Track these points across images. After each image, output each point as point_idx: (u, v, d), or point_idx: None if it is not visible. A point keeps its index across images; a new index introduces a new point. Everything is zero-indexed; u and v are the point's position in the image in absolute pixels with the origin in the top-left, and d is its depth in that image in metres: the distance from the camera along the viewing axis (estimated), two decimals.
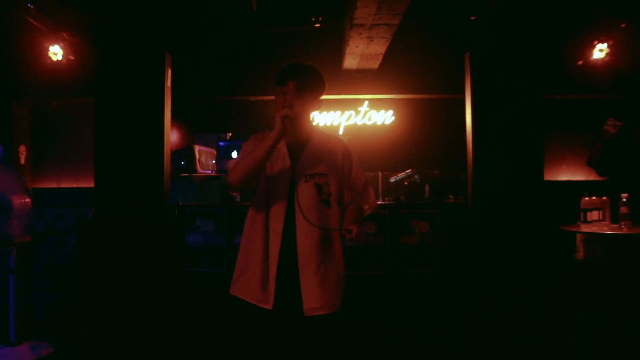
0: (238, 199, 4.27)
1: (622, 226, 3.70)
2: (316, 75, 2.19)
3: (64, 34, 4.93)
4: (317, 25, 5.26)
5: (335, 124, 5.95)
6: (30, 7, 4.38)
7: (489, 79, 3.87)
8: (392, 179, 4.41)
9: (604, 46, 5.07)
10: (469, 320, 3.78)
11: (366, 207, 2.28)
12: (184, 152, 4.31)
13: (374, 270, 3.78)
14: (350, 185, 2.24)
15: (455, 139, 4.32)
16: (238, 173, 2.09)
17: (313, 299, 2.09)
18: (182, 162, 4.25)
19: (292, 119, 2.02)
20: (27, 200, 4.08)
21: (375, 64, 5.58)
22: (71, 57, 5.04)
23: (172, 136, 4.32)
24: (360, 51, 5.11)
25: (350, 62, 5.48)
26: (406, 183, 4.26)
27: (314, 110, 2.25)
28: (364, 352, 3.71)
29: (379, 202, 4.04)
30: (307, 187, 2.12)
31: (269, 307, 2.09)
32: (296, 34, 5.55)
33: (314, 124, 5.84)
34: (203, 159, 4.41)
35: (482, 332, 3.75)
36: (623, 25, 4.96)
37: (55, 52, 4.94)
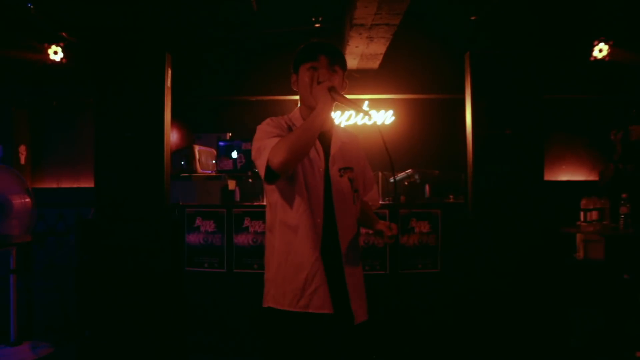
0: (238, 199, 4.27)
1: (622, 226, 3.70)
2: (342, 53, 2.06)
3: (64, 34, 4.93)
4: (317, 25, 5.25)
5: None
6: (30, 7, 4.38)
7: (489, 79, 3.87)
8: (392, 179, 4.41)
9: (604, 46, 5.07)
10: (469, 320, 3.78)
11: (371, 204, 2.18)
12: (184, 152, 4.31)
13: (375, 270, 3.78)
14: (367, 181, 2.15)
15: (455, 139, 4.33)
16: (284, 153, 1.74)
17: (360, 304, 1.95)
18: (182, 162, 4.25)
19: (337, 92, 1.85)
20: (27, 200, 4.08)
21: (375, 64, 5.58)
22: (71, 57, 5.04)
23: (172, 136, 4.32)
24: (360, 51, 5.11)
25: (350, 62, 5.48)
26: (406, 183, 4.26)
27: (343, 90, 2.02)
28: (363, 351, 3.71)
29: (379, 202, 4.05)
30: (342, 182, 1.95)
31: (330, 311, 1.85)
32: (296, 34, 5.54)
33: None
34: (203, 159, 4.41)
35: (482, 332, 3.75)
36: (623, 26, 4.96)
37: (55, 52, 4.93)
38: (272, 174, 1.82)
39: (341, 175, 1.96)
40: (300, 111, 2.04)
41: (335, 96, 1.84)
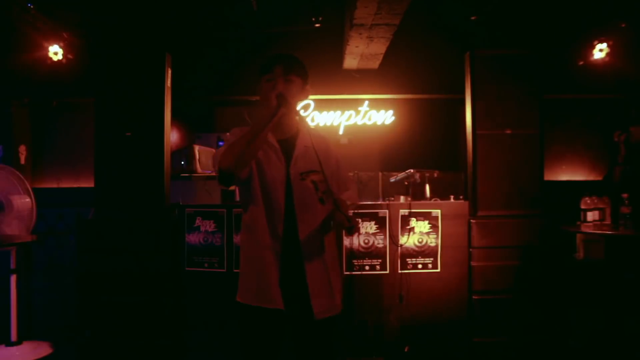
0: (238, 199, 4.26)
1: (622, 226, 3.70)
2: (300, 62, 2.12)
3: (64, 34, 4.93)
4: (317, 25, 5.25)
5: (335, 124, 5.95)
6: (30, 7, 4.38)
7: (489, 79, 3.87)
8: (392, 179, 4.41)
9: (604, 46, 5.06)
10: (469, 320, 3.78)
11: (349, 203, 2.16)
12: (184, 152, 4.31)
13: (375, 270, 3.78)
14: (340, 182, 2.19)
15: (455, 139, 4.33)
16: (231, 156, 1.90)
17: (321, 302, 2.03)
18: (182, 162, 4.25)
19: (286, 99, 1.96)
20: (27, 200, 4.08)
21: (375, 64, 5.58)
22: (71, 57, 5.04)
23: (172, 136, 4.32)
24: (360, 51, 5.11)
25: (350, 62, 5.48)
26: (406, 183, 4.25)
27: (301, 101, 2.17)
28: (364, 350, 3.71)
29: (379, 202, 4.05)
30: (304, 186, 2.04)
31: (280, 307, 1.98)
32: (296, 34, 5.54)
33: (315, 124, 5.86)
34: (203, 159, 4.41)
35: (481, 331, 3.75)
36: (623, 25, 4.96)
37: (55, 52, 4.93)
38: (224, 177, 1.96)
39: (303, 179, 2.04)
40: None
41: (282, 102, 1.95)
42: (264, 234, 2.02)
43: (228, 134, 2.16)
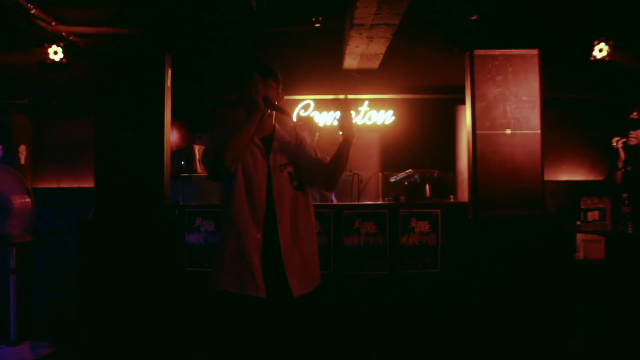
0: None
1: (622, 226, 3.70)
2: (274, 70, 2.34)
3: (64, 34, 4.93)
4: (317, 25, 5.25)
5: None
6: (30, 7, 4.38)
7: (488, 79, 3.87)
8: (392, 179, 4.41)
9: (604, 46, 5.06)
10: (469, 320, 3.78)
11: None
12: (184, 152, 4.31)
13: (375, 270, 3.78)
14: (322, 157, 2.37)
15: (455, 139, 4.33)
16: (231, 153, 2.12)
17: (299, 285, 2.21)
18: (182, 162, 4.25)
19: (270, 101, 2.19)
20: (27, 200, 4.08)
21: (375, 64, 5.58)
22: (71, 57, 5.04)
23: (172, 136, 4.32)
24: (360, 51, 5.11)
25: (350, 62, 5.48)
26: (406, 183, 4.26)
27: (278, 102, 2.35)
28: (364, 349, 3.71)
29: (379, 202, 4.05)
30: (281, 177, 2.25)
31: (262, 295, 2.15)
32: (296, 34, 5.54)
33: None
34: None
35: (482, 332, 3.75)
36: (623, 25, 4.96)
37: (55, 52, 4.93)
38: (218, 173, 2.16)
39: (281, 171, 2.26)
40: (242, 120, 2.28)
41: (267, 104, 2.19)
42: (247, 223, 2.18)
43: (211, 134, 2.33)
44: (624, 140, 4.15)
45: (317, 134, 4.70)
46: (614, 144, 4.17)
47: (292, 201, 2.26)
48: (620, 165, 4.17)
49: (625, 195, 3.77)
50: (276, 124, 2.38)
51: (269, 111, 2.26)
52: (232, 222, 2.21)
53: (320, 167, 2.32)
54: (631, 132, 4.15)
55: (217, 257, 2.29)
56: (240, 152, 2.16)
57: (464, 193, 4.14)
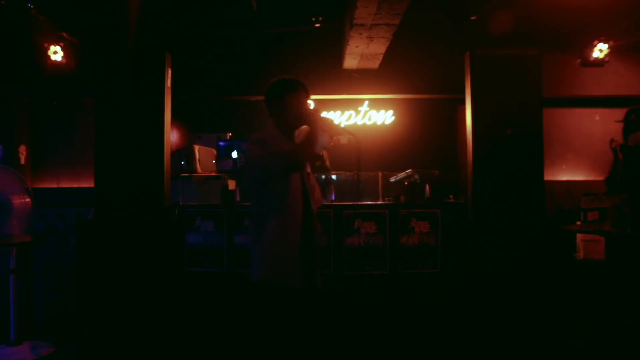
0: (238, 199, 4.27)
1: (622, 226, 3.70)
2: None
3: (64, 34, 4.93)
4: (317, 25, 5.26)
5: (335, 123, 5.95)
6: (30, 7, 4.38)
7: (489, 79, 3.87)
8: (392, 179, 4.41)
9: (604, 46, 5.07)
10: (469, 320, 3.78)
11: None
12: (184, 152, 4.31)
13: (375, 270, 3.78)
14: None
15: (455, 139, 4.33)
16: (306, 153, 2.40)
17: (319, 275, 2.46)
18: (182, 162, 4.25)
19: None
20: (27, 200, 4.08)
21: (375, 64, 5.58)
22: (71, 57, 5.04)
23: (172, 136, 4.32)
24: (360, 51, 5.12)
25: (350, 62, 5.49)
26: (406, 183, 4.25)
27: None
28: (364, 349, 3.71)
29: (379, 202, 4.05)
30: (312, 175, 2.56)
31: (298, 285, 2.34)
32: (296, 34, 5.55)
33: None
34: (203, 159, 4.41)
35: (482, 331, 3.75)
36: (623, 25, 4.96)
37: (55, 52, 4.93)
38: (295, 169, 2.40)
39: (313, 171, 2.57)
40: (279, 132, 2.52)
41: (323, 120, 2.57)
42: (298, 219, 2.38)
43: (254, 145, 2.45)
44: (618, 142, 4.15)
45: (335, 137, 4.72)
46: (613, 145, 4.17)
47: (317, 196, 2.54)
48: (619, 167, 4.17)
49: (624, 195, 3.77)
50: None
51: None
52: (286, 217, 2.36)
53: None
54: (631, 135, 4.16)
55: (268, 250, 2.38)
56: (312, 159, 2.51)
57: (464, 193, 4.13)
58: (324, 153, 4.39)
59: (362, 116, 5.97)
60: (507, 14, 4.56)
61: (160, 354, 3.68)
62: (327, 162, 4.39)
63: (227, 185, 4.25)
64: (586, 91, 5.47)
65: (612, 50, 5.12)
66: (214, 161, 4.43)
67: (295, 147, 2.43)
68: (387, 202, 4.18)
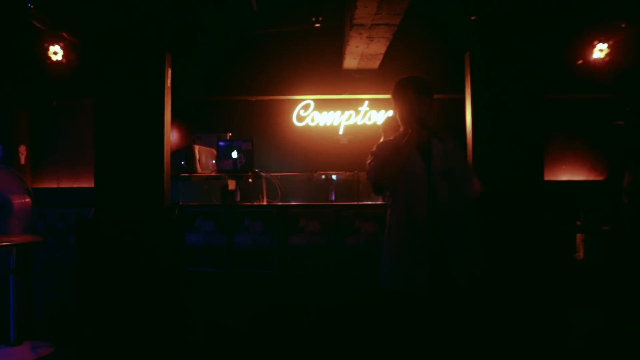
0: (238, 199, 4.27)
1: (622, 226, 3.70)
2: (429, 84, 2.60)
3: (64, 34, 4.93)
4: (317, 25, 5.25)
5: (335, 123, 5.95)
6: (30, 7, 4.38)
7: (489, 79, 3.87)
8: None
9: (604, 46, 5.06)
10: (469, 320, 3.77)
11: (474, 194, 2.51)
12: (184, 152, 4.30)
13: (375, 270, 3.78)
14: (464, 176, 2.48)
15: (455, 139, 4.31)
16: (386, 177, 2.37)
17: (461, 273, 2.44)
18: (182, 162, 4.25)
19: (421, 124, 2.41)
20: (27, 200, 4.08)
21: (375, 64, 5.58)
22: (71, 57, 5.04)
23: (172, 136, 4.32)
24: (360, 51, 5.11)
25: (350, 62, 5.48)
26: None
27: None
28: (365, 349, 3.71)
29: (379, 202, 4.04)
30: (443, 184, 2.39)
31: (424, 290, 2.34)
32: (296, 34, 5.54)
33: (315, 124, 5.87)
34: (203, 159, 4.41)
35: (482, 331, 3.75)
36: (623, 25, 4.96)
37: (55, 52, 4.93)
38: (377, 191, 2.51)
39: (443, 179, 2.41)
40: (400, 135, 2.52)
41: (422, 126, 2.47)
42: (406, 226, 2.42)
43: (373, 150, 2.54)
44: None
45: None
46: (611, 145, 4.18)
47: (453, 207, 2.39)
48: (619, 165, 4.18)
49: (624, 195, 3.77)
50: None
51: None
52: (396, 225, 2.43)
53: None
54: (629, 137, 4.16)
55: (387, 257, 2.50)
56: (395, 175, 2.35)
57: None
58: None
59: (362, 116, 5.96)
60: None
61: (160, 354, 3.68)
62: None
63: (227, 185, 4.25)
64: (586, 91, 5.47)
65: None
66: (214, 161, 4.43)
67: (378, 168, 2.46)
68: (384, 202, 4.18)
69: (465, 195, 2.46)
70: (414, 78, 2.57)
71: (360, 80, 5.82)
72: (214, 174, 4.30)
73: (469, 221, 2.46)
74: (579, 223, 4.06)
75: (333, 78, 5.80)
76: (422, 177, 2.40)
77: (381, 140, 2.47)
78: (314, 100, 5.88)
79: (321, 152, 5.73)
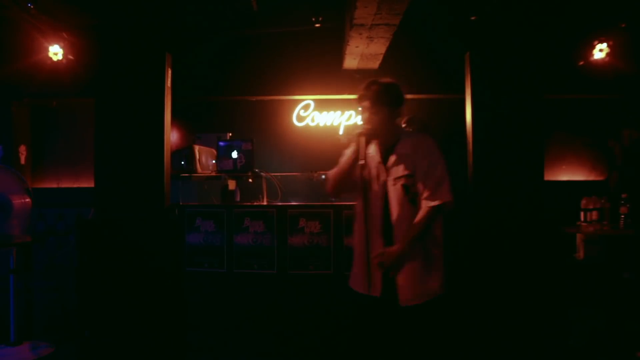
0: (238, 199, 4.27)
1: (622, 226, 3.70)
2: (390, 89, 2.52)
3: (64, 34, 4.93)
4: (317, 25, 5.26)
5: (335, 124, 5.96)
6: (30, 7, 4.38)
7: (489, 79, 3.87)
8: None
9: (604, 46, 5.07)
10: (469, 320, 3.77)
11: (433, 203, 2.34)
12: (184, 152, 4.30)
13: None
14: (425, 183, 2.36)
15: (455, 139, 4.32)
16: (329, 184, 2.49)
17: (407, 291, 2.33)
18: (182, 162, 4.25)
19: (370, 134, 2.37)
20: (27, 200, 4.08)
21: (375, 64, 5.58)
22: (71, 57, 5.04)
23: (172, 136, 4.32)
24: (360, 51, 5.11)
25: (350, 62, 5.48)
26: None
27: (397, 117, 2.49)
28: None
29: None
30: (396, 190, 2.36)
31: (377, 294, 2.34)
32: (296, 34, 5.54)
33: (315, 124, 5.86)
34: (203, 159, 4.41)
35: (482, 332, 3.75)
36: (623, 25, 4.96)
37: (55, 52, 4.94)
38: (329, 195, 2.60)
39: (394, 184, 2.38)
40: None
41: (363, 140, 2.42)
42: (362, 229, 2.41)
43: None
44: (618, 143, 4.16)
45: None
46: (611, 144, 4.18)
47: (407, 214, 2.35)
48: (618, 163, 4.18)
49: (624, 195, 3.77)
50: (404, 131, 2.56)
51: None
52: (356, 226, 2.48)
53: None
54: (625, 131, 4.16)
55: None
56: (341, 185, 2.45)
57: (464, 193, 4.13)
58: None
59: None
60: None
61: (160, 354, 3.68)
62: None
63: (227, 185, 4.25)
64: (587, 91, 5.48)
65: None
66: (213, 161, 4.43)
67: (328, 175, 2.58)
68: None
69: (425, 200, 2.35)
70: (373, 84, 2.55)
71: (361, 80, 5.79)
72: (214, 174, 4.30)
73: (424, 228, 2.36)
74: (579, 223, 4.06)
75: (333, 78, 5.81)
76: (380, 182, 2.40)
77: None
78: (314, 100, 5.88)
79: (321, 152, 5.73)
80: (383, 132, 2.41)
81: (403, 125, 4.64)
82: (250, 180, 4.30)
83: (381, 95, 2.46)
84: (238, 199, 4.27)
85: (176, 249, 3.80)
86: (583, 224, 3.98)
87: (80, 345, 3.75)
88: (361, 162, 2.33)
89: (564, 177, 5.58)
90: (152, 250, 3.74)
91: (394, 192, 2.36)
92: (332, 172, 2.47)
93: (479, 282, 3.78)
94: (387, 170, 2.40)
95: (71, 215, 4.73)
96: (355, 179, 2.42)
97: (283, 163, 5.62)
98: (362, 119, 2.49)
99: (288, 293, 3.74)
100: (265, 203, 4.06)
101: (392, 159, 2.39)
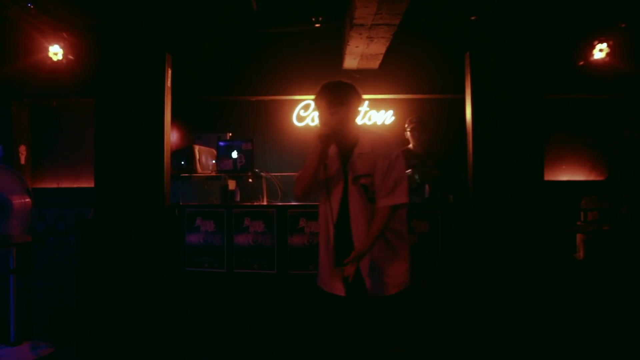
0: (238, 199, 4.27)
1: (622, 226, 3.70)
2: (346, 89, 2.49)
3: (64, 34, 4.94)
4: (317, 25, 5.26)
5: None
6: (30, 7, 4.38)
7: (489, 79, 3.87)
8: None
9: (604, 46, 5.07)
10: (469, 320, 3.78)
11: (390, 203, 2.39)
12: (184, 152, 4.30)
13: None
14: (382, 182, 2.40)
15: (455, 139, 4.33)
16: (297, 188, 2.49)
17: (375, 285, 2.42)
18: (182, 162, 4.25)
19: (330, 135, 2.37)
20: (27, 200, 4.08)
21: (375, 64, 5.58)
22: (71, 57, 5.04)
23: (172, 136, 4.32)
24: (360, 51, 5.12)
25: (350, 62, 5.49)
26: None
27: (355, 118, 2.50)
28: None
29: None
30: (355, 189, 2.40)
31: (342, 294, 2.40)
32: (296, 34, 5.55)
33: (315, 124, 5.86)
34: (203, 159, 4.41)
35: (482, 332, 3.75)
36: (623, 25, 4.96)
37: (55, 52, 4.94)
38: (297, 199, 2.59)
39: (354, 183, 2.41)
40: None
41: (327, 141, 2.44)
42: (324, 229, 2.49)
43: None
44: (616, 142, 4.17)
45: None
46: (611, 145, 4.19)
47: (366, 214, 2.39)
48: (618, 163, 4.19)
49: (624, 195, 3.77)
50: (362, 131, 2.51)
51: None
52: (320, 226, 2.51)
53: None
54: (626, 131, 4.16)
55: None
56: (309, 186, 2.44)
57: (464, 194, 4.13)
58: None
59: (362, 116, 5.97)
60: None
61: (160, 354, 3.68)
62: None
63: (227, 185, 4.25)
64: (587, 91, 5.48)
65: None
66: (213, 161, 4.43)
67: (296, 178, 2.59)
68: None
69: (382, 199, 2.40)
70: (329, 86, 2.55)
71: (360, 81, 5.82)
72: (214, 174, 4.30)
73: (382, 228, 2.40)
74: (579, 223, 4.07)
75: (333, 78, 5.80)
76: (339, 184, 2.43)
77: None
78: (313, 100, 5.88)
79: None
80: (342, 133, 2.43)
81: (406, 125, 4.65)
82: (250, 180, 4.30)
83: (338, 96, 2.46)
84: (238, 199, 4.27)
85: (176, 249, 3.81)
86: (583, 224, 3.98)
87: (80, 345, 3.75)
88: (323, 163, 2.38)
89: (564, 177, 5.59)
90: (152, 250, 3.74)
91: (354, 192, 2.41)
92: (298, 176, 2.49)
93: (479, 282, 3.78)
94: (347, 170, 2.43)
95: (71, 215, 4.73)
96: (320, 181, 2.46)
97: (283, 163, 5.61)
98: (320, 121, 2.50)
99: (288, 293, 3.74)
100: (265, 203, 4.06)
101: (352, 158, 2.43)
